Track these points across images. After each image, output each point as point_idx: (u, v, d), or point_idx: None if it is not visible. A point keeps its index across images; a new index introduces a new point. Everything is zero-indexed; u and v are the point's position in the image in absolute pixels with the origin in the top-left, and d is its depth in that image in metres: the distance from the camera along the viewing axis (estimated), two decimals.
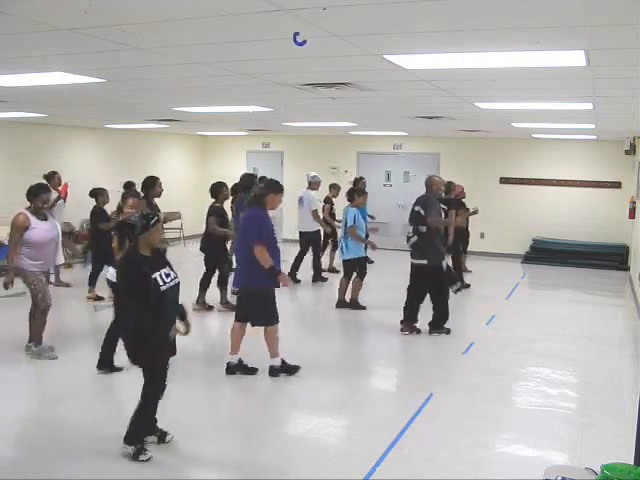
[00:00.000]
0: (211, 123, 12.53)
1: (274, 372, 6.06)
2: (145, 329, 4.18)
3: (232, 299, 8.44)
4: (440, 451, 4.69)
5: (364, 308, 8.98)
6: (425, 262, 7.46)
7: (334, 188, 11.66)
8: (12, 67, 5.51)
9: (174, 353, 4.51)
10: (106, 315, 8.47)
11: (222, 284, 8.68)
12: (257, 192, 6.20)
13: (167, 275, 4.36)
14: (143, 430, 4.45)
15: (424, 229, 7.40)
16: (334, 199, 11.53)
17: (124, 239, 5.27)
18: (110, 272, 6.09)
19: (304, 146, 15.73)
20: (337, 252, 10.17)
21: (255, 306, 5.94)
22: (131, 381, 4.79)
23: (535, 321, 8.88)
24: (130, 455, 4.31)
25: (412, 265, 7.68)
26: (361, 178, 11.76)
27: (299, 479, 4.25)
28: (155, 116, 10.54)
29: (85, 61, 5.10)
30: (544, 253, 13.56)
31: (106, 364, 6.02)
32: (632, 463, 3.01)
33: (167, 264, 4.48)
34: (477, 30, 3.72)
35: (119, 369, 5.96)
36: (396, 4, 3.19)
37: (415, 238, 7.45)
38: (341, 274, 9.19)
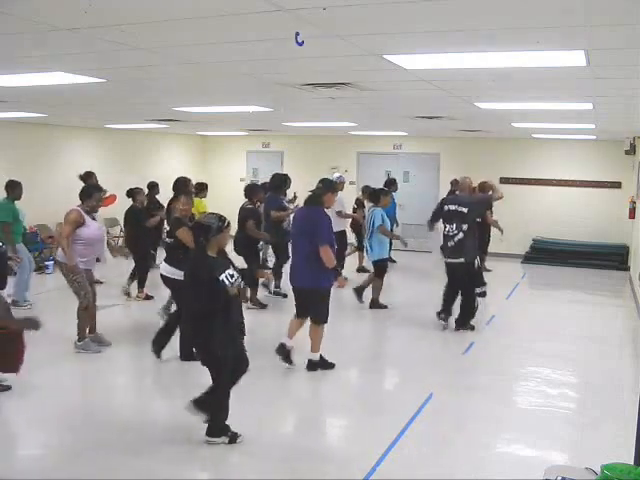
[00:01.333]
0: (211, 123, 12.53)
1: (312, 366, 6.20)
2: (214, 331, 4.37)
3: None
4: (440, 451, 4.69)
5: (386, 307, 9.02)
6: (462, 260, 7.70)
7: (366, 192, 11.68)
8: (12, 67, 5.50)
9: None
10: (114, 314, 8.54)
11: (253, 284, 8.77)
12: (315, 191, 6.35)
13: (232, 276, 4.45)
14: (224, 419, 4.65)
15: (466, 227, 7.65)
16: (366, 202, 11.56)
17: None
18: (162, 267, 6.45)
19: (304, 146, 15.72)
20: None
21: (314, 304, 6.11)
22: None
23: (535, 321, 8.88)
24: (226, 444, 4.59)
25: (449, 265, 7.90)
26: (394, 179, 11.93)
27: (299, 479, 4.25)
28: (155, 116, 10.54)
29: (85, 61, 5.10)
30: (544, 253, 13.55)
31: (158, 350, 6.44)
32: (632, 463, 3.01)
33: (231, 264, 4.59)
34: (477, 30, 3.71)
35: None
36: (396, 4, 3.19)
37: (461, 235, 7.67)
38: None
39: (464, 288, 7.85)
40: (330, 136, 15.24)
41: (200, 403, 4.63)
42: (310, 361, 6.23)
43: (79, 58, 4.93)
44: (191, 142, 16.61)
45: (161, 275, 6.52)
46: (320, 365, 6.23)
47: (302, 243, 6.03)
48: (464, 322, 7.90)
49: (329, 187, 6.32)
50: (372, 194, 9.20)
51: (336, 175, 10.91)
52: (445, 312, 7.96)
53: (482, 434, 4.98)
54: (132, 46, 4.38)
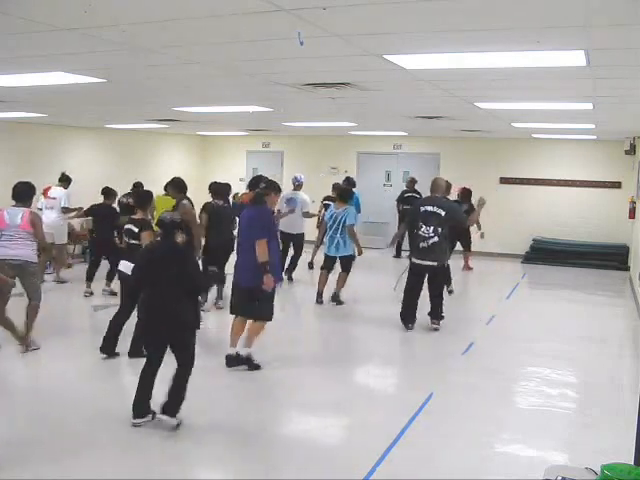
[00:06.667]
0: (211, 123, 12.54)
1: (236, 361, 6.12)
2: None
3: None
4: (440, 451, 4.69)
5: (343, 303, 9.07)
6: (435, 264, 7.56)
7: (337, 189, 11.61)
8: (12, 67, 5.51)
9: None
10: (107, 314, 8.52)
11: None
12: (258, 192, 6.38)
13: None
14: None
15: (441, 231, 7.50)
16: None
17: None
18: (123, 264, 6.42)
19: (304, 146, 15.72)
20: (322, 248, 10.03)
21: (259, 302, 6.03)
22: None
23: (535, 321, 8.88)
24: (175, 426, 4.72)
25: (417, 265, 7.67)
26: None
27: (299, 479, 4.26)
28: (155, 116, 10.55)
29: (85, 61, 5.11)
30: (544, 253, 13.55)
31: (110, 349, 6.43)
32: (632, 463, 3.02)
33: None
34: (477, 30, 3.72)
35: (117, 354, 6.42)
36: (396, 4, 3.20)
37: (436, 239, 7.50)
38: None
39: (434, 289, 7.76)
40: (330, 136, 15.24)
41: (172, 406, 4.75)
42: (237, 355, 6.15)
43: (79, 58, 4.93)
44: (191, 142, 16.62)
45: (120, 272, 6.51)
46: (245, 362, 6.13)
47: (247, 242, 6.02)
48: (438, 315, 7.82)
49: (272, 188, 6.32)
50: (343, 192, 9.29)
51: (300, 176, 10.80)
52: (412, 319, 7.82)
53: (482, 434, 4.97)
54: (132, 46, 4.38)
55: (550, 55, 4.36)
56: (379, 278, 11.60)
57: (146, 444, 4.58)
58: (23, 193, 6.60)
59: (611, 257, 13.05)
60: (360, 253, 9.03)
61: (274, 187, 6.37)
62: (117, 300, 9.02)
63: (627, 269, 12.50)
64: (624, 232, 12.84)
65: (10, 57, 4.99)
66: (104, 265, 9.30)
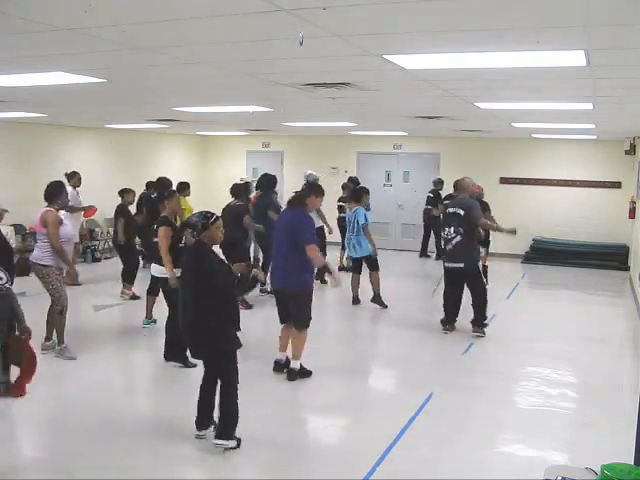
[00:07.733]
0: (211, 123, 12.53)
1: (293, 375, 6.05)
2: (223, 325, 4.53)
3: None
4: (440, 451, 4.69)
5: (386, 306, 8.99)
6: (462, 265, 7.47)
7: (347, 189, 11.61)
8: (12, 67, 5.50)
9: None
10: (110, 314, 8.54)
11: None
12: (299, 193, 6.35)
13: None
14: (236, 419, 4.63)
15: (463, 230, 7.45)
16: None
17: None
18: (154, 268, 6.49)
19: (304, 146, 15.72)
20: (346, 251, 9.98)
21: (298, 308, 5.97)
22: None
23: (535, 321, 8.88)
24: (233, 447, 4.53)
25: (448, 269, 7.63)
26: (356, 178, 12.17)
27: (299, 479, 4.25)
28: (155, 116, 10.54)
29: (85, 61, 5.10)
30: (544, 253, 13.55)
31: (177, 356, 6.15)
32: (632, 463, 3.02)
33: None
34: (477, 30, 3.72)
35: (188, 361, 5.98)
36: (396, 4, 3.19)
37: (459, 238, 7.43)
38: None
39: (472, 288, 7.64)
40: (330, 136, 15.24)
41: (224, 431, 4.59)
42: (292, 370, 6.05)
43: (79, 58, 4.93)
44: (191, 142, 16.61)
45: (153, 277, 6.50)
46: (300, 374, 6.07)
47: (285, 245, 5.90)
48: (480, 322, 7.66)
49: (313, 190, 6.24)
50: (352, 193, 9.25)
51: (311, 173, 10.72)
52: (449, 322, 7.77)
53: (482, 434, 4.97)
54: (132, 46, 4.38)
55: (550, 55, 4.36)
56: (382, 279, 11.57)
57: (148, 447, 4.59)
58: (52, 193, 6.49)
59: (611, 257, 13.05)
60: (375, 254, 8.86)
61: (315, 189, 6.28)
62: (119, 300, 9.08)
63: (627, 269, 12.50)
64: (624, 232, 12.84)
65: (10, 57, 4.99)
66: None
